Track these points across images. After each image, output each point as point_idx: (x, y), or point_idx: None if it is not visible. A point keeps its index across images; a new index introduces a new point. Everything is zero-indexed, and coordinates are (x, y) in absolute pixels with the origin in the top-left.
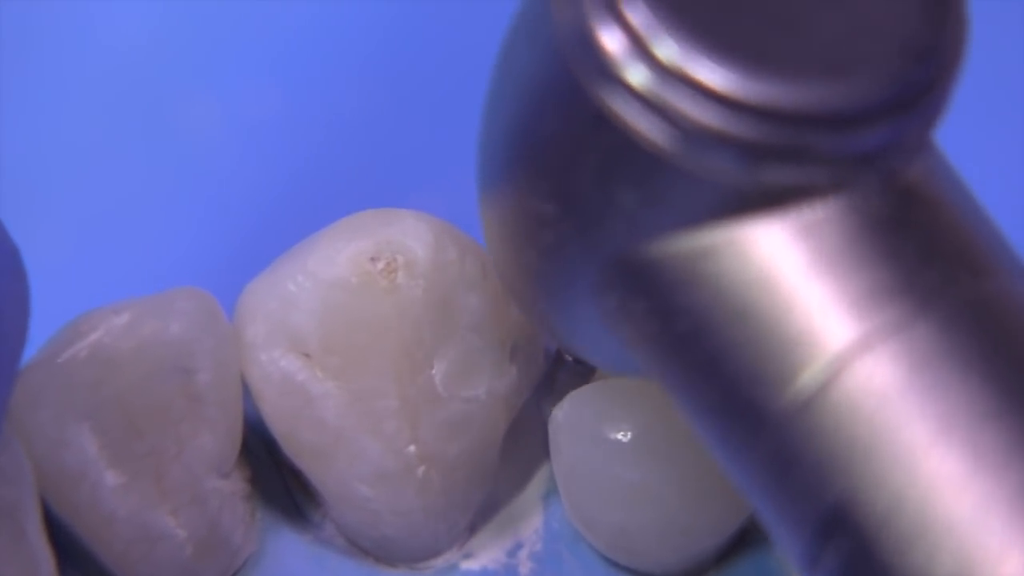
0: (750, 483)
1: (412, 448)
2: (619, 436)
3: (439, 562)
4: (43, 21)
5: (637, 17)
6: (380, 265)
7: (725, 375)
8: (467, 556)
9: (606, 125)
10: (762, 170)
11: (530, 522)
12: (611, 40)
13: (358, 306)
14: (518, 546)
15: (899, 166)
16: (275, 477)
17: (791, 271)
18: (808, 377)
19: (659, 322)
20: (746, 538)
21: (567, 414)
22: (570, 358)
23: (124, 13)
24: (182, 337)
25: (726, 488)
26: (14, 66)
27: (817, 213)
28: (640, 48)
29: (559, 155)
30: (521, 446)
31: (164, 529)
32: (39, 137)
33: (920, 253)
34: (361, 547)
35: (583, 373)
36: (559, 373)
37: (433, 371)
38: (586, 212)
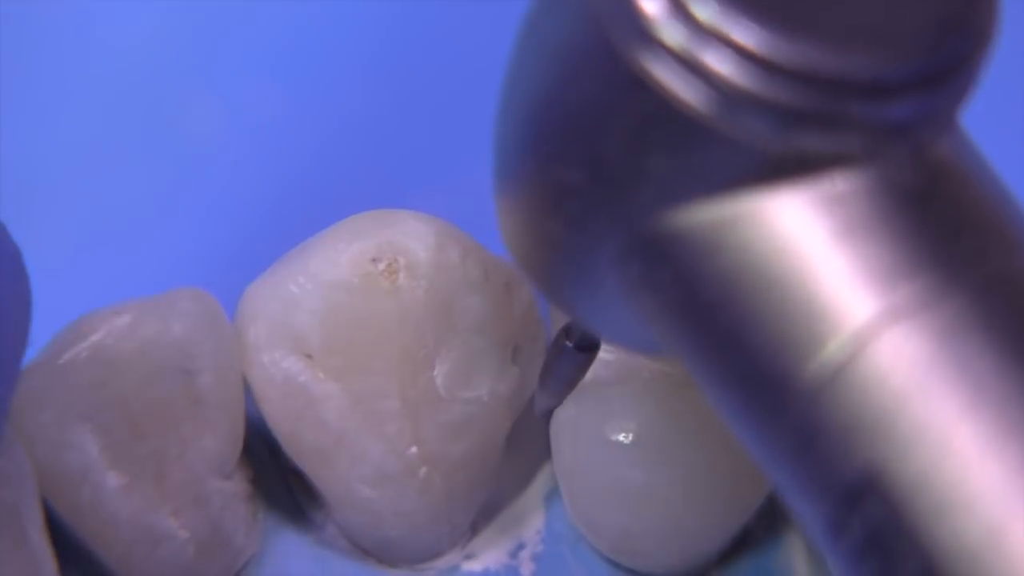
0: (774, 454)
1: (414, 449)
2: (621, 437)
3: (441, 563)
4: (44, 21)
5: None
6: (382, 266)
7: (750, 346)
8: (469, 557)
9: (641, 88)
10: (796, 135)
11: (532, 523)
12: (649, 1)
13: (360, 307)
14: (520, 547)
15: (929, 140)
16: (277, 479)
17: (818, 241)
18: (834, 348)
19: (684, 291)
20: (748, 539)
21: (569, 415)
22: (570, 344)
23: (127, 14)
24: (184, 338)
25: (728, 489)
26: (15, 66)
27: (846, 184)
28: (678, 8)
29: (591, 121)
30: (523, 447)
31: (166, 530)
32: (40, 138)
33: (949, 227)
34: (363, 548)
35: (582, 362)
36: (558, 360)
37: (435, 372)
38: (615, 179)
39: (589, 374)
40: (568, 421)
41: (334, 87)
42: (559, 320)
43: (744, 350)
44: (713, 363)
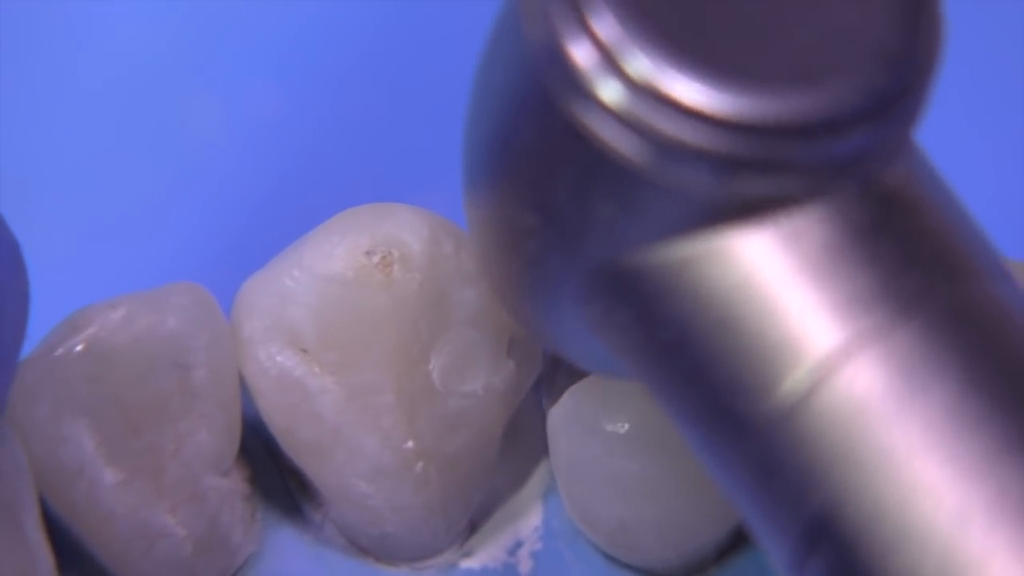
0: (736, 490)
1: (410, 444)
2: (617, 428)
3: (439, 561)
4: (34, 12)
5: (606, 30)
6: (376, 259)
7: (709, 383)
8: (467, 555)
9: (580, 139)
10: (737, 182)
11: (530, 520)
12: (581, 54)
13: (354, 300)
14: (518, 544)
15: (877, 172)
16: (275, 477)
17: (772, 279)
18: (791, 384)
19: (643, 331)
20: (746, 535)
21: (565, 408)
22: None
23: (120, 7)
24: (178, 332)
25: None
26: (10, 62)
27: (796, 222)
28: (610, 63)
29: (536, 167)
30: (520, 443)
31: (163, 527)
32: (37, 133)
33: (899, 259)
34: (361, 546)
35: (581, 372)
36: (557, 372)
37: (430, 366)
38: (565, 224)
39: None
40: (564, 414)
41: (330, 83)
42: None
43: (705, 386)
44: (676, 399)
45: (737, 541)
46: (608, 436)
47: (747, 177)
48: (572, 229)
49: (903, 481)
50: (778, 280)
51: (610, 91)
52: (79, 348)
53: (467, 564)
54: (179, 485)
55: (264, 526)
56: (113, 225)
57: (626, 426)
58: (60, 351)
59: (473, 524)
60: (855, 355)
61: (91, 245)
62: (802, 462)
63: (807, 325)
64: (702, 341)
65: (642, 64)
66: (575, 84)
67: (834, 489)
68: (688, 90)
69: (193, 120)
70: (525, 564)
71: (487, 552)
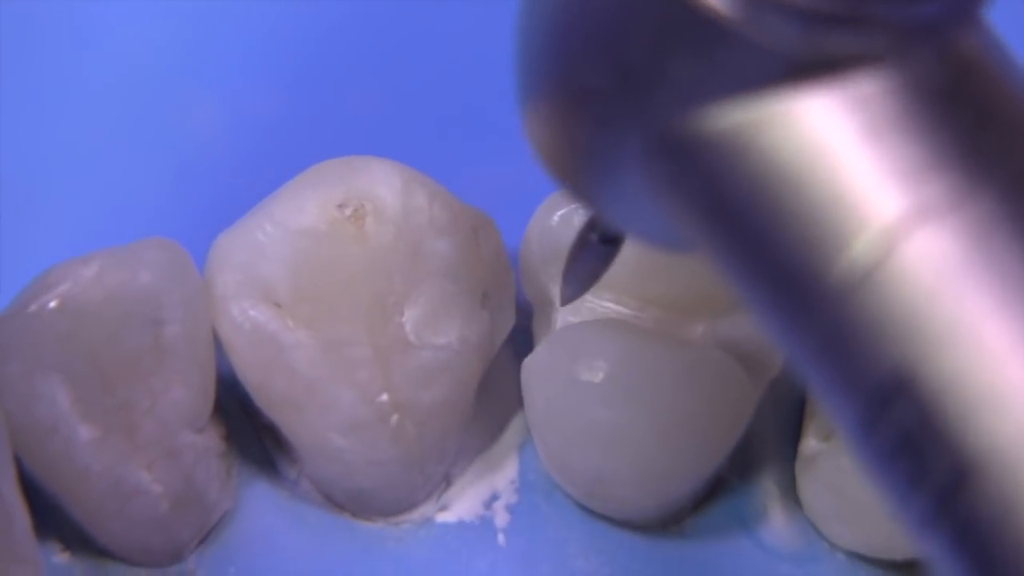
0: (804, 353)
1: (385, 396)
2: (591, 377)
3: (415, 515)
4: None
5: None
6: (348, 212)
7: (779, 247)
8: (443, 508)
9: None
10: (821, 37)
11: (506, 473)
12: None
13: (327, 254)
14: (494, 497)
15: (955, 38)
16: (250, 434)
17: (845, 142)
18: (862, 248)
19: (710, 193)
20: (722, 486)
21: (539, 359)
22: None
23: None
24: (151, 288)
25: (700, 430)
26: None
27: (871, 84)
28: None
29: (614, 24)
30: (495, 397)
31: (138, 484)
32: (7, 94)
33: (976, 125)
34: (337, 502)
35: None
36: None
37: (404, 318)
38: (638, 81)
39: (559, 320)
40: (538, 365)
41: (304, 38)
42: (529, 268)
43: (773, 251)
44: (741, 263)
45: (714, 491)
46: (583, 385)
47: (831, 32)
48: (644, 87)
49: (980, 346)
50: (851, 142)
51: None
52: (52, 305)
53: (443, 518)
54: (154, 442)
55: (239, 483)
56: (85, 182)
57: (601, 375)
58: (33, 308)
59: (449, 478)
60: (931, 219)
61: (64, 202)
62: (875, 326)
63: (878, 189)
64: (771, 204)
65: None
66: None
67: (908, 354)
68: None
69: (165, 79)
70: (501, 517)
71: (463, 506)
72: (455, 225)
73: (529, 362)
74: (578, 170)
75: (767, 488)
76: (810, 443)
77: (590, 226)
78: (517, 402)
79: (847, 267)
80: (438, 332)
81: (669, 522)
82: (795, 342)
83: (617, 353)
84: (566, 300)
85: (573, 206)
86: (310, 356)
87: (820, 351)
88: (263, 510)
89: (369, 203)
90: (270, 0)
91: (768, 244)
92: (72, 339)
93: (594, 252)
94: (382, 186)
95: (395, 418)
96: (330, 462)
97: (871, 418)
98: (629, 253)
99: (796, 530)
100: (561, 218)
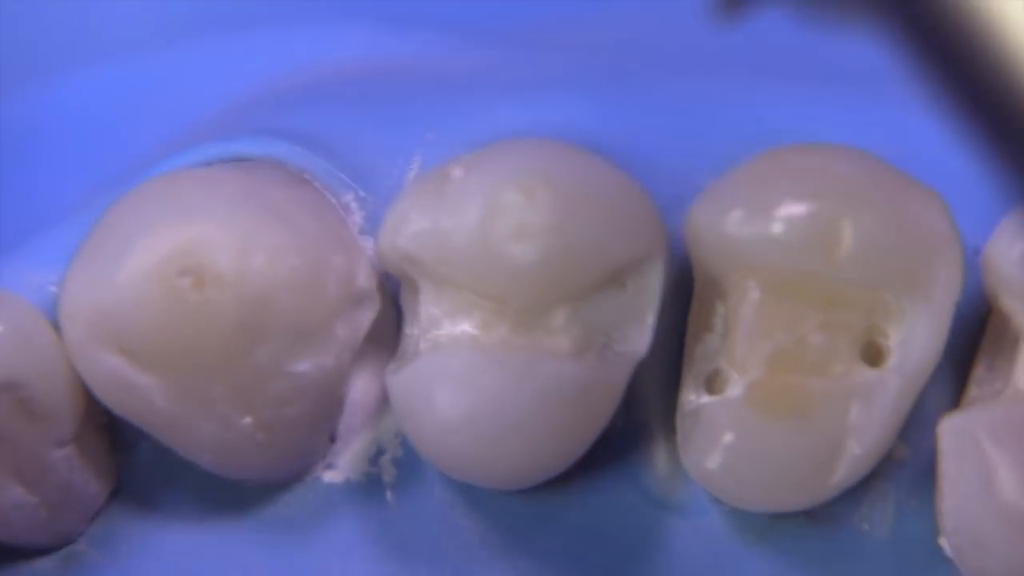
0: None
1: (248, 420)
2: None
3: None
4: None
5: None
6: (187, 281)
7: None
8: (329, 467)
9: None
10: None
11: (389, 426)
12: None
13: (171, 317)
14: (380, 452)
15: None
16: None
17: None
18: None
19: None
20: (609, 431)
21: (400, 384)
22: None
23: None
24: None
25: (565, 437)
26: None
27: None
28: None
29: None
30: (375, 346)
31: (17, 499)
32: None
33: None
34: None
35: None
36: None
37: (259, 354)
38: None
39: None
40: (400, 390)
41: None
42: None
43: None
44: None
45: (601, 439)
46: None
47: None
48: None
49: None
50: None
51: None
52: None
53: (331, 477)
54: (28, 465)
55: (123, 458)
56: None
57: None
58: None
59: (333, 436)
60: None
61: None
62: None
63: None
64: None
65: None
66: None
67: None
68: None
69: None
70: (388, 471)
71: (349, 463)
72: (298, 276)
73: (392, 380)
74: None
75: (652, 435)
76: (689, 397)
77: None
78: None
79: None
80: (295, 362)
81: (556, 481)
82: None
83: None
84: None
85: None
86: (167, 397)
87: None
88: (147, 480)
89: (208, 271)
90: None
91: None
92: None
93: None
94: (218, 250)
95: (260, 436)
96: (206, 464)
97: None
98: (476, 252)
99: (680, 481)
100: None
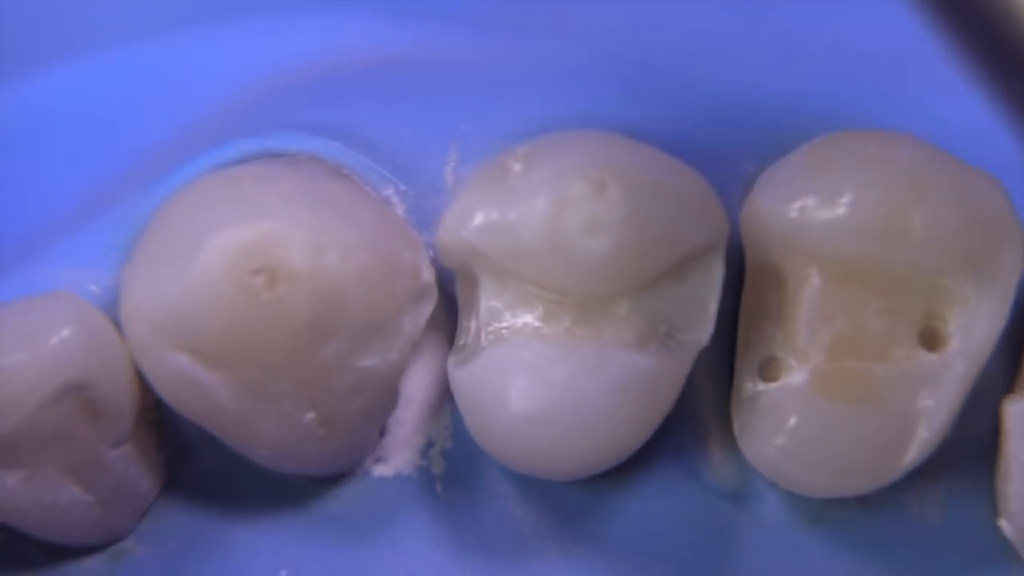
0: None
1: (311, 415)
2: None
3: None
4: None
5: None
6: (260, 279)
7: None
8: (379, 460)
9: None
10: None
11: (440, 419)
12: None
13: (243, 316)
14: (429, 445)
15: None
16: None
17: None
18: None
19: None
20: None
21: (467, 379)
22: None
23: None
24: (71, 353)
25: (628, 430)
26: None
27: None
28: None
29: None
30: (425, 347)
31: (73, 498)
32: None
33: None
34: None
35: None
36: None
37: (327, 350)
38: None
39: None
40: (465, 385)
41: None
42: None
43: None
44: None
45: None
46: (512, 411)
47: None
48: None
49: None
50: None
51: None
52: None
53: (380, 471)
54: (85, 464)
55: (172, 456)
56: None
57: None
58: None
59: (383, 429)
60: None
61: None
62: None
63: None
64: None
65: None
66: None
67: None
68: None
69: None
70: (438, 464)
71: (399, 456)
72: (367, 270)
73: (459, 374)
74: None
75: (705, 423)
76: (745, 384)
77: None
78: (449, 342)
79: None
80: (360, 357)
81: (608, 470)
82: None
83: (543, 392)
84: None
85: None
86: (231, 394)
87: None
88: (197, 478)
89: (281, 268)
90: None
91: None
92: None
93: None
94: (291, 248)
95: (322, 431)
96: (264, 460)
97: None
98: (546, 245)
99: (735, 468)
100: None
